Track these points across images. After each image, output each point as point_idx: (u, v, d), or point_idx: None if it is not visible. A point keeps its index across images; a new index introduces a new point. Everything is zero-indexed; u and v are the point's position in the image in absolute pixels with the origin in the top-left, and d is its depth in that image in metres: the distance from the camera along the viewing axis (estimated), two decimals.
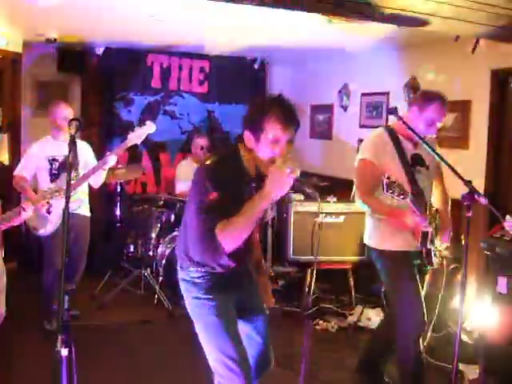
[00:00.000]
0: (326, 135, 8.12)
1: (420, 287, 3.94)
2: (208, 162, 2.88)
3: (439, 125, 3.90)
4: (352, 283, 6.14)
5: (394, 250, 3.96)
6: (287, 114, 2.73)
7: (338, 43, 6.63)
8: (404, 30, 4.88)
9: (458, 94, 6.00)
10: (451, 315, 5.17)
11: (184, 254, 3.01)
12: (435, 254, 3.99)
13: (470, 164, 5.77)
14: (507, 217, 3.14)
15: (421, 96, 3.99)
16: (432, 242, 3.90)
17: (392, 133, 3.98)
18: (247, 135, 2.80)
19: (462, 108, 5.96)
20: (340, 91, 7.81)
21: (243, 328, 3.13)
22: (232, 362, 2.90)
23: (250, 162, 2.87)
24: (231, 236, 2.71)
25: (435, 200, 4.24)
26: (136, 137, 4.92)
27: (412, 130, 3.72)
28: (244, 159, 2.87)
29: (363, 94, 7.37)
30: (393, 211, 3.84)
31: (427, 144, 3.60)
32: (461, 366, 4.76)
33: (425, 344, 4.80)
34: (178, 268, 3.07)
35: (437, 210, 4.09)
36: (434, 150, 3.63)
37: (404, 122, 3.75)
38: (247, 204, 2.67)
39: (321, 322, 5.78)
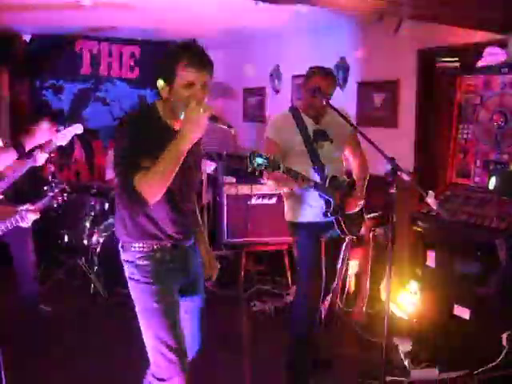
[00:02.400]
0: (259, 118, 8.14)
1: (320, 258, 4.11)
2: (121, 121, 2.90)
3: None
4: (287, 264, 6.19)
5: (301, 221, 4.17)
6: (199, 57, 2.71)
7: (268, 25, 6.64)
8: (332, 12, 4.93)
9: (386, 74, 6.10)
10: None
11: (121, 227, 2.92)
12: (350, 224, 4.17)
13: (400, 142, 5.89)
14: (429, 192, 3.21)
15: (306, 71, 4.21)
16: (337, 211, 4.05)
17: (295, 111, 4.22)
18: (161, 84, 2.75)
19: (390, 87, 6.07)
20: (271, 74, 7.82)
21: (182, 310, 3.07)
22: (169, 350, 2.86)
23: (169, 114, 2.82)
24: (151, 183, 2.62)
25: (353, 172, 4.45)
26: (62, 137, 4.78)
27: (328, 102, 3.95)
28: (162, 114, 2.83)
29: (294, 76, 7.40)
30: (286, 182, 4.00)
31: (345, 118, 3.84)
32: (395, 340, 4.88)
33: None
34: (120, 249, 2.98)
35: (351, 181, 4.31)
36: (352, 125, 3.84)
37: (328, 103, 3.88)
38: (166, 150, 2.61)
39: (258, 303, 5.83)
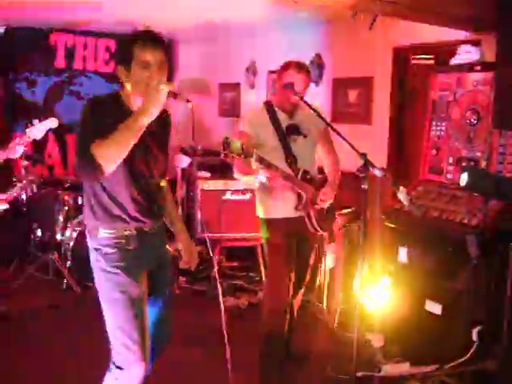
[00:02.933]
0: (234, 113, 8.13)
1: (290, 257, 4.12)
2: (86, 102, 2.91)
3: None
4: (261, 259, 6.19)
5: (271, 217, 4.17)
6: (152, 38, 2.82)
7: (243, 21, 6.63)
8: (309, 7, 4.93)
9: (361, 71, 6.13)
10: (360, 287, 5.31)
11: (88, 210, 2.94)
12: (321, 220, 4.19)
13: (374, 139, 5.93)
14: (401, 188, 3.22)
15: (280, 66, 4.20)
16: (309, 206, 4.09)
17: (269, 106, 4.22)
18: (120, 70, 2.86)
19: (365, 84, 6.10)
20: (247, 69, 7.81)
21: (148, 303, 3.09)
22: (132, 342, 2.89)
23: (131, 101, 2.89)
24: (107, 150, 2.64)
25: (325, 168, 4.46)
26: (36, 131, 4.73)
27: (302, 98, 3.94)
28: (125, 100, 2.90)
29: (270, 72, 7.40)
30: (254, 172, 4.01)
31: (318, 113, 3.80)
32: (367, 335, 4.91)
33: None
34: (87, 236, 2.99)
35: (323, 177, 4.33)
36: (325, 120, 3.83)
37: (301, 98, 3.89)
38: (125, 121, 2.66)
39: (231, 298, 5.84)
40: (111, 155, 2.66)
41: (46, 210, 6.41)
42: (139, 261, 2.97)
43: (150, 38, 2.81)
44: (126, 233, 2.93)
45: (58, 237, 6.21)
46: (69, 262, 5.99)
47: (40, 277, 6.20)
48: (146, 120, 2.64)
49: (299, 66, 4.11)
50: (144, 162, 2.94)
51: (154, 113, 2.64)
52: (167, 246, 3.35)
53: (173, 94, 2.70)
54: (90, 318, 5.00)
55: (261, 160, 3.77)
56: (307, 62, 6.47)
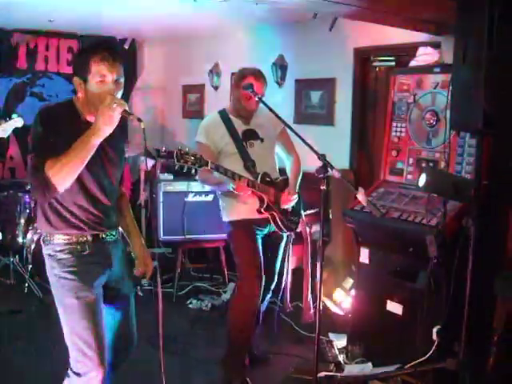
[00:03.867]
0: (198, 115, 8.08)
1: (258, 251, 4.19)
2: (39, 111, 2.86)
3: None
4: (224, 261, 6.18)
5: (235, 219, 4.25)
6: (110, 53, 2.80)
7: (206, 23, 6.62)
8: (270, 9, 4.93)
9: (323, 72, 6.16)
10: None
11: (42, 218, 2.91)
12: (286, 219, 4.28)
13: (337, 140, 5.96)
14: (360, 189, 3.25)
15: (236, 73, 4.31)
16: (271, 208, 4.16)
17: (223, 114, 4.31)
18: (76, 81, 2.83)
19: (327, 85, 6.13)
20: (211, 71, 7.79)
21: (108, 307, 3.07)
22: (87, 347, 2.86)
23: (86, 110, 2.87)
24: (60, 171, 2.63)
25: (287, 169, 4.54)
26: (2, 130, 4.70)
27: (264, 103, 3.97)
28: (79, 109, 2.88)
29: (233, 74, 7.38)
30: (218, 181, 4.13)
31: (276, 114, 3.85)
32: (330, 336, 4.94)
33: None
34: (41, 243, 2.96)
35: (284, 178, 4.41)
36: (283, 121, 3.86)
37: (260, 99, 3.93)
38: (78, 140, 2.64)
39: (194, 301, 5.81)
40: (64, 176, 2.66)
41: (7, 212, 6.31)
42: (94, 266, 2.94)
43: (108, 54, 2.79)
44: (82, 239, 2.90)
45: (20, 240, 6.13)
46: (30, 266, 5.91)
47: (1, 281, 6.11)
48: (99, 139, 2.65)
49: (257, 73, 4.22)
50: (101, 172, 2.93)
51: (106, 132, 2.64)
52: (128, 250, 3.31)
53: (125, 113, 2.68)
54: (52, 322, 4.95)
55: (217, 168, 3.83)
56: (270, 63, 6.52)
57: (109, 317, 3.10)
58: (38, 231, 3.12)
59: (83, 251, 2.90)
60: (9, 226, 6.30)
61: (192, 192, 6.03)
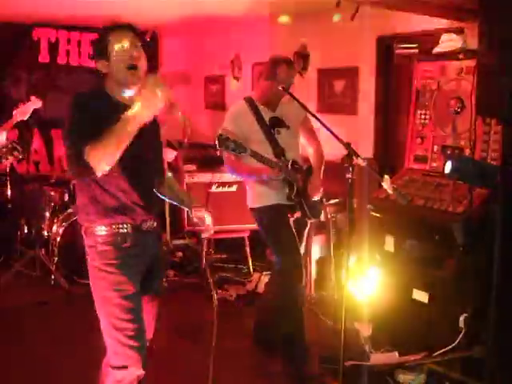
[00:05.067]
0: (220, 106, 8.11)
1: (294, 234, 4.24)
2: (72, 98, 2.85)
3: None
4: (248, 251, 6.19)
5: (264, 205, 4.27)
6: (123, 24, 2.86)
7: (228, 13, 6.61)
8: None
9: (345, 61, 6.13)
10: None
11: (83, 209, 2.89)
12: (312, 207, 4.30)
13: (360, 129, 5.94)
14: (385, 177, 3.23)
15: (268, 61, 4.30)
16: (300, 195, 4.21)
17: (250, 101, 4.33)
18: (100, 64, 2.84)
19: (350, 74, 6.11)
20: (232, 61, 7.79)
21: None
22: (129, 341, 2.83)
23: (116, 90, 2.87)
24: (99, 154, 2.58)
25: (310, 156, 4.56)
26: (21, 113, 4.75)
27: (285, 88, 4.05)
28: (109, 90, 2.87)
29: (255, 64, 7.39)
30: (251, 169, 4.17)
31: (301, 103, 3.89)
32: (356, 325, 4.92)
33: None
34: (83, 235, 2.93)
35: (310, 166, 4.43)
36: (307, 110, 3.91)
37: (286, 90, 3.92)
38: (117, 124, 2.57)
39: (219, 291, 5.83)
40: (103, 162, 2.61)
41: (32, 205, 6.38)
42: (134, 259, 2.91)
43: (123, 27, 2.85)
44: (122, 230, 2.87)
45: (45, 233, 6.18)
46: (56, 258, 5.96)
47: (27, 273, 6.16)
48: (139, 124, 2.58)
49: (288, 61, 4.26)
50: (139, 158, 2.84)
51: (146, 119, 2.59)
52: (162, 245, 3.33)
53: (168, 103, 2.64)
54: (78, 313, 5.03)
55: (255, 155, 3.87)
56: (292, 53, 6.49)
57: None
58: (79, 221, 2.98)
59: (124, 243, 2.87)
60: (34, 219, 6.39)
61: (216, 182, 6.03)
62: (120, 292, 2.83)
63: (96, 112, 2.68)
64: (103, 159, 2.60)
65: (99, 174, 2.63)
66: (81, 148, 2.59)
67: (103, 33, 2.86)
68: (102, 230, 2.85)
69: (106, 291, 2.85)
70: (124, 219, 2.87)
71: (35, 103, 4.78)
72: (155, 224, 3.06)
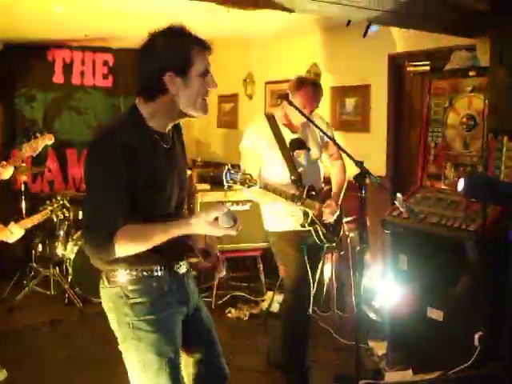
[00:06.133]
0: (233, 125, 8.15)
1: (305, 262, 4.16)
2: (92, 138, 2.41)
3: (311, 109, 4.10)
4: (262, 269, 6.19)
5: (280, 230, 4.22)
6: (206, 41, 2.46)
7: (240, 32, 6.65)
8: (300, 17, 4.93)
9: (357, 79, 6.14)
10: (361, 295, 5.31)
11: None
12: (328, 232, 4.24)
13: (372, 146, 5.93)
14: (398, 195, 3.22)
15: (293, 81, 4.19)
16: (315, 222, 4.14)
17: (271, 120, 4.21)
18: (170, 77, 2.33)
19: (362, 92, 6.11)
20: (245, 80, 7.83)
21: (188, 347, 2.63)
22: None
23: (165, 114, 2.43)
24: (128, 248, 2.24)
25: (332, 179, 4.48)
26: (31, 149, 4.69)
27: (300, 111, 3.82)
28: (149, 115, 2.40)
29: (267, 83, 7.42)
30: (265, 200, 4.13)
31: (316, 125, 3.72)
32: (370, 343, 4.90)
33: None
34: (104, 280, 2.46)
35: (329, 189, 4.36)
36: (325, 133, 3.73)
37: (295, 107, 3.84)
38: (159, 226, 2.25)
39: (233, 310, 5.83)
40: (131, 251, 2.26)
41: (47, 224, 6.40)
42: (174, 308, 2.49)
43: (206, 42, 2.45)
44: (156, 274, 2.44)
45: (59, 252, 6.21)
46: (70, 277, 5.99)
47: (41, 292, 6.19)
48: (184, 233, 2.26)
49: (315, 86, 4.17)
50: (174, 186, 2.48)
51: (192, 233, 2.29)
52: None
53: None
54: (92, 332, 5.05)
55: (266, 187, 3.82)
56: (304, 71, 6.51)
57: (192, 357, 2.68)
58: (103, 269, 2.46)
59: (160, 290, 2.44)
60: (48, 238, 6.42)
61: (229, 202, 6.04)
62: (162, 356, 2.41)
63: (128, 160, 2.24)
64: (131, 251, 2.26)
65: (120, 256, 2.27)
66: (109, 229, 2.21)
67: (187, 39, 2.40)
68: (132, 275, 2.40)
69: (146, 354, 2.40)
70: (158, 262, 2.44)
71: (47, 140, 4.73)
72: (188, 267, 2.66)
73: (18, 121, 7.85)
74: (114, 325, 2.47)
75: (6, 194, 6.63)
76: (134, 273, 2.39)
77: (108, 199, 2.25)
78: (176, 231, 2.24)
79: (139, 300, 2.38)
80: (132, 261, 2.35)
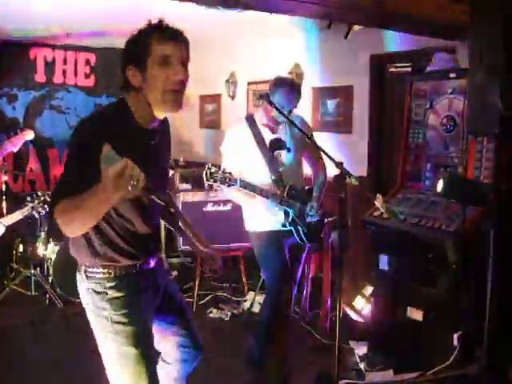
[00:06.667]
0: (215, 125, 8.14)
1: (286, 261, 4.19)
2: (76, 128, 2.38)
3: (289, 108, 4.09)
4: (243, 270, 6.19)
5: (260, 230, 4.24)
6: (173, 30, 2.39)
7: (222, 32, 6.65)
8: (283, 18, 4.94)
9: (339, 80, 6.16)
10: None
11: (82, 246, 2.46)
12: (309, 232, 4.27)
13: (354, 147, 5.96)
14: (377, 196, 3.23)
15: (271, 81, 4.22)
16: (296, 221, 4.16)
17: (251, 121, 4.25)
18: (131, 71, 2.36)
19: (344, 93, 6.13)
20: (227, 80, 7.83)
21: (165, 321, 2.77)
22: None
23: (143, 110, 2.43)
24: (68, 222, 2.18)
25: (313, 179, 4.50)
26: (13, 144, 4.71)
27: (280, 111, 3.78)
28: (133, 109, 2.42)
29: (250, 83, 7.43)
30: (244, 199, 4.14)
31: (296, 125, 3.70)
32: (351, 344, 4.91)
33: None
34: (82, 276, 2.50)
35: (310, 189, 4.37)
36: (305, 133, 3.70)
37: (275, 106, 3.82)
38: (89, 191, 2.06)
39: (214, 310, 5.82)
40: (73, 227, 2.22)
41: (27, 225, 6.37)
42: (148, 302, 2.59)
43: (171, 30, 2.38)
44: (133, 270, 2.51)
45: (40, 252, 6.17)
46: (51, 278, 5.96)
47: (22, 292, 6.14)
48: (111, 200, 2.08)
49: (293, 86, 4.16)
50: (153, 182, 2.33)
51: (116, 200, 2.10)
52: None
53: (149, 190, 2.24)
54: (73, 333, 5.02)
55: (246, 186, 3.81)
56: (286, 72, 6.52)
57: (170, 329, 2.82)
58: (79, 265, 2.51)
59: (136, 285, 2.52)
60: (29, 238, 6.38)
61: (210, 202, 6.04)
62: (139, 348, 2.48)
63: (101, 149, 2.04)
64: (71, 228, 2.22)
65: (69, 235, 2.28)
66: (54, 204, 2.21)
67: (143, 34, 2.37)
68: (110, 272, 2.46)
69: (124, 346, 2.47)
70: (137, 258, 2.52)
71: (28, 135, 4.73)
72: (162, 259, 2.84)
73: (0, 121, 7.80)
74: (90, 317, 2.53)
75: None
76: (111, 270, 2.45)
77: (67, 182, 2.28)
78: (98, 193, 2.02)
79: (116, 295, 2.45)
80: (112, 258, 2.44)
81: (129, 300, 2.48)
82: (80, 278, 2.53)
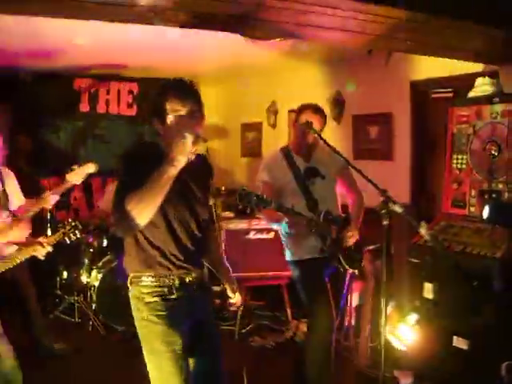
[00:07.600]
0: (256, 153, 8.19)
1: (327, 289, 4.16)
2: (124, 153, 2.92)
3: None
4: (286, 298, 6.15)
5: (298, 259, 4.25)
6: (183, 88, 2.82)
7: (264, 61, 6.70)
8: (322, 46, 4.98)
9: (380, 107, 6.15)
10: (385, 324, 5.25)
11: (128, 260, 2.93)
12: (349, 258, 4.23)
13: (396, 174, 5.92)
14: (422, 223, 3.20)
15: (297, 108, 4.33)
16: (334, 247, 4.14)
17: (286, 151, 4.33)
18: (156, 124, 2.83)
19: (385, 120, 6.12)
20: (268, 109, 7.87)
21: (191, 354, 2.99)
22: None
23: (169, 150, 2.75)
24: (139, 204, 2.57)
25: (349, 206, 4.51)
26: (75, 176, 4.71)
27: (320, 136, 3.96)
28: (163, 148, 2.79)
29: (290, 111, 7.45)
30: (281, 219, 4.11)
31: (339, 153, 3.74)
32: (396, 373, 4.83)
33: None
34: (129, 286, 2.93)
35: (346, 216, 4.35)
36: (344, 158, 3.75)
37: (316, 132, 3.95)
38: (154, 175, 2.58)
39: (257, 338, 5.80)
40: (143, 208, 2.59)
41: (72, 252, 6.45)
42: (180, 312, 2.89)
43: (181, 89, 2.80)
44: (169, 282, 2.87)
45: (84, 279, 6.24)
46: (94, 305, 6.01)
47: (66, 319, 6.21)
48: (174, 169, 2.57)
49: (315, 108, 4.23)
50: (186, 206, 2.91)
51: (181, 161, 2.57)
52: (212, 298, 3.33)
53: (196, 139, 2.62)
54: (115, 360, 5.04)
55: (280, 208, 3.80)
56: (327, 100, 6.54)
57: (195, 362, 3.04)
58: (125, 271, 2.98)
59: (170, 295, 2.87)
60: (73, 265, 6.45)
61: (253, 229, 6.04)
62: (168, 345, 2.81)
63: (144, 167, 2.63)
64: (142, 207, 2.59)
65: (141, 223, 2.62)
66: (122, 201, 2.59)
67: (161, 92, 2.82)
68: (148, 281, 2.86)
69: (155, 343, 2.83)
70: (171, 271, 2.87)
71: (90, 168, 4.72)
72: (201, 277, 3.04)
73: (44, 151, 7.92)
74: (136, 322, 2.90)
75: (32, 221, 6.67)
76: (151, 279, 2.86)
77: (123, 184, 2.73)
78: (166, 166, 2.56)
79: (152, 300, 2.85)
80: (150, 270, 2.86)
81: (161, 305, 2.84)
82: (129, 286, 2.93)
